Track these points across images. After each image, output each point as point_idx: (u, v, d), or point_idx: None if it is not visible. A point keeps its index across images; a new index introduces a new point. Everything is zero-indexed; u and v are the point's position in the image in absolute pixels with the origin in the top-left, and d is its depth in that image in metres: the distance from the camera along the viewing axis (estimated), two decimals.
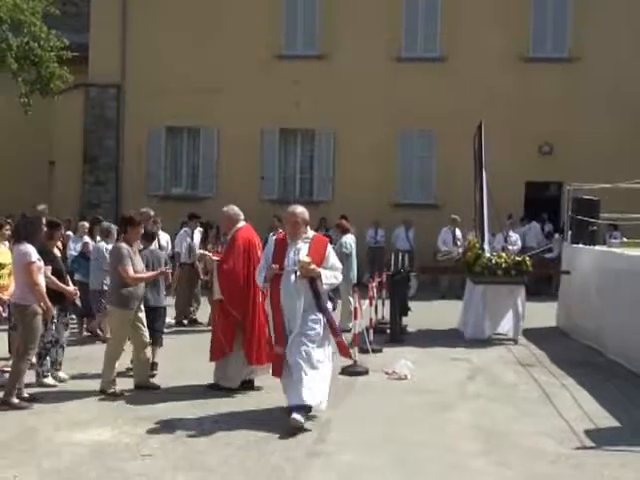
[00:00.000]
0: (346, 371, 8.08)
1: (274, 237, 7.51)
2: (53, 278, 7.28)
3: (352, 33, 18.11)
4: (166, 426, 6.04)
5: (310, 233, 6.44)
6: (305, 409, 6.00)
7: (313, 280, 6.19)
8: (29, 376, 7.01)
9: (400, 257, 11.05)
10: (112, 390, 7.02)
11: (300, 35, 18.89)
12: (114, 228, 9.43)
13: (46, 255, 7.28)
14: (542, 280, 15.38)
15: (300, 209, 6.39)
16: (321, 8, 18.56)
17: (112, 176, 19.47)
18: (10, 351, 8.06)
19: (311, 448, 5.56)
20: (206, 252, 8.68)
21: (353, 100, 18.15)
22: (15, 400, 6.56)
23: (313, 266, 6.12)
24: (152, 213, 10.56)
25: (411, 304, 10.97)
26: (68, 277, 7.84)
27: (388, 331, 10.51)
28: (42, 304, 6.73)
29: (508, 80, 17.90)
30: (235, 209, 7.65)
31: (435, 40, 18.55)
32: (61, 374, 7.66)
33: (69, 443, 5.51)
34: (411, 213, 17.68)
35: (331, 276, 6.29)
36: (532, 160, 18.01)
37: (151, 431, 5.89)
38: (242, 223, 7.57)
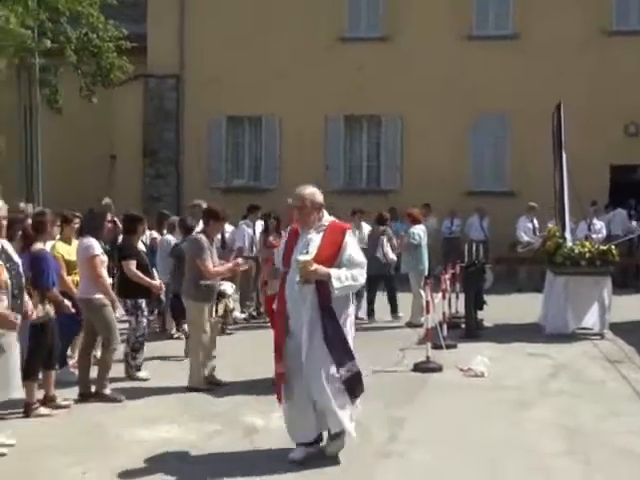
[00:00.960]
0: (419, 368, 8.06)
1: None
2: (138, 272, 7.52)
3: (418, 12, 17.90)
4: (231, 423, 6.15)
5: (326, 220, 5.27)
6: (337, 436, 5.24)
7: (322, 284, 5.01)
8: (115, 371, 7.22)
9: (474, 248, 10.90)
10: (204, 386, 7.23)
11: (364, 17, 18.82)
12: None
13: (130, 249, 7.58)
14: (629, 271, 14.96)
15: (309, 190, 5.25)
16: None
17: (172, 169, 19.83)
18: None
19: (382, 448, 5.56)
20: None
21: (421, 83, 17.97)
22: (108, 391, 6.86)
23: (315, 266, 4.92)
24: (204, 205, 10.72)
25: (487, 297, 10.84)
26: (154, 271, 8.08)
27: (463, 326, 10.40)
28: (107, 297, 6.97)
29: (589, 56, 17.42)
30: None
31: (508, 16, 18.18)
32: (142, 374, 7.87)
33: (137, 440, 5.67)
34: (485, 201, 17.41)
35: (346, 277, 5.02)
36: (617, 142, 17.48)
37: (217, 429, 6.00)
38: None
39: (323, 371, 4.99)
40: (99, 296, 6.94)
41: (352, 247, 5.21)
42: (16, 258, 5.38)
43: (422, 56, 17.90)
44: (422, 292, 10.26)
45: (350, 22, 18.75)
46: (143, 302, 7.71)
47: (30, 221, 6.92)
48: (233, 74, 18.50)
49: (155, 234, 11.15)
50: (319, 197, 5.24)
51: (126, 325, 7.85)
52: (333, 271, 4.99)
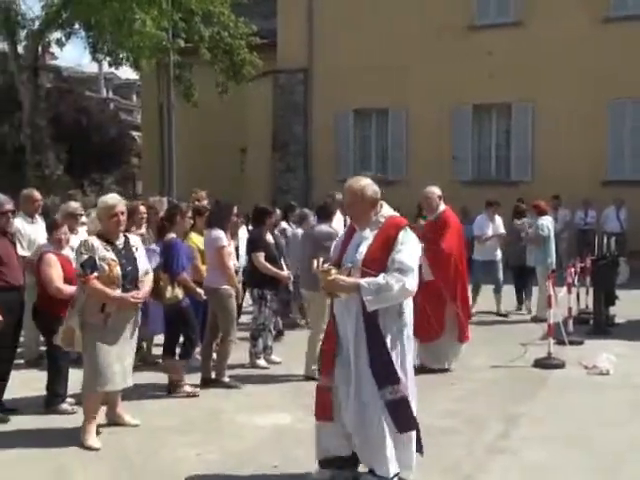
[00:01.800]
0: (540, 364, 7.82)
1: None
2: (267, 264, 7.70)
3: None
4: None
5: (383, 215, 4.54)
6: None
7: None
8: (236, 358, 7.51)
9: (606, 240, 10.42)
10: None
11: (493, 3, 18.36)
12: (309, 214, 9.78)
13: (259, 241, 7.77)
14: None
15: (361, 183, 4.55)
16: None
17: (301, 162, 20.19)
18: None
19: (494, 444, 5.46)
20: None
21: (554, 68, 17.33)
22: (226, 379, 7.12)
23: (334, 276, 4.32)
24: (338, 196, 10.82)
25: (621, 292, 10.36)
26: (282, 262, 8.30)
27: (591, 322, 9.98)
28: (233, 287, 7.22)
29: None
30: (438, 190, 7.91)
31: None
32: (274, 357, 8.09)
33: (251, 426, 5.86)
34: (623, 191, 16.56)
35: (379, 287, 4.24)
36: None
37: None
38: (444, 205, 7.77)
39: (370, 396, 4.38)
40: (226, 286, 7.17)
41: (404, 247, 4.39)
42: (137, 253, 5.53)
43: (555, 40, 17.22)
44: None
45: (479, 9, 18.35)
46: (269, 293, 7.88)
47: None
48: (360, 67, 18.56)
49: (285, 225, 11.32)
50: (371, 190, 4.51)
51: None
52: (364, 281, 4.26)
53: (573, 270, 9.64)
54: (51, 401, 6.13)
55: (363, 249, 4.46)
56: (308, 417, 6.06)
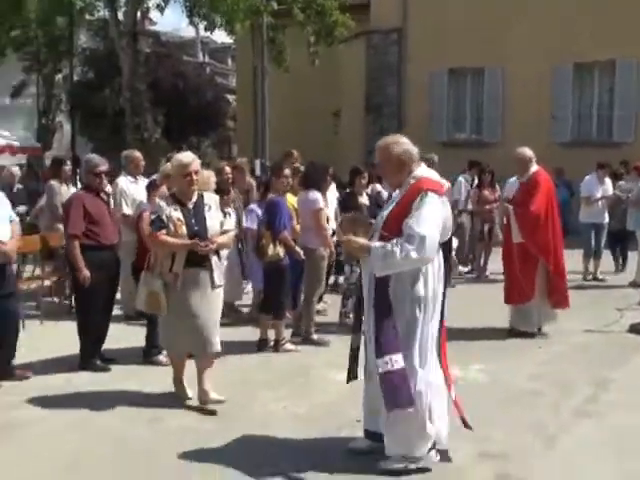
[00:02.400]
0: (635, 329, 7.64)
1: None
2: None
3: None
4: None
5: (414, 177, 4.22)
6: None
7: None
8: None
9: None
10: None
11: None
12: None
13: (350, 202, 7.78)
14: None
15: (388, 140, 4.32)
16: None
17: (394, 124, 20.02)
18: None
19: (581, 407, 5.40)
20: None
21: None
22: (315, 337, 7.30)
23: (348, 237, 4.22)
24: (436, 158, 10.77)
25: None
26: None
27: None
28: (328, 248, 7.35)
29: None
30: (530, 151, 7.81)
31: None
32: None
33: (336, 382, 5.99)
34: None
35: (385, 253, 4.01)
36: None
37: None
38: (537, 166, 7.67)
39: (374, 365, 4.19)
40: (320, 248, 7.29)
41: (417, 214, 4.05)
42: (209, 213, 5.34)
43: None
44: None
45: None
46: None
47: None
48: (455, 25, 18.21)
49: (379, 187, 11.28)
50: (398, 149, 4.24)
51: None
52: (375, 245, 4.09)
53: None
54: (148, 352, 6.46)
55: (386, 212, 4.31)
56: None
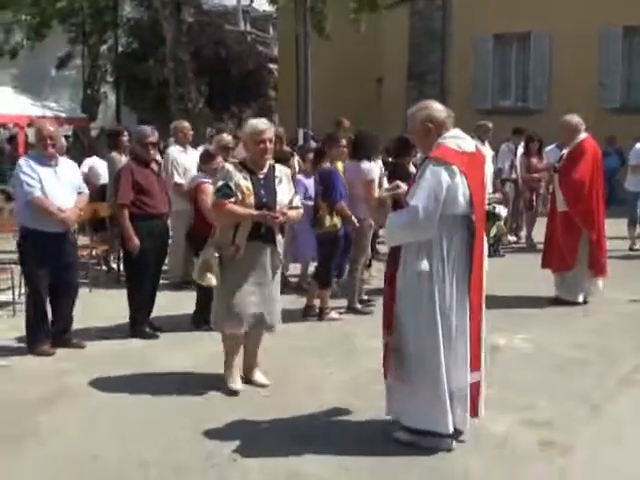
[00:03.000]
0: None
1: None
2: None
3: None
4: None
5: (437, 144, 4.10)
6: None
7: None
8: None
9: None
10: None
11: None
12: None
13: (400, 171, 7.60)
14: None
15: (413, 108, 4.24)
16: None
17: (437, 91, 19.82)
18: None
19: (627, 376, 5.40)
20: None
21: None
22: (358, 306, 7.39)
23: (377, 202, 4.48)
24: (490, 125, 10.73)
25: None
26: None
27: None
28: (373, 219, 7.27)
29: None
30: (577, 118, 7.71)
31: None
32: None
33: (378, 348, 6.07)
34: None
35: (391, 222, 4.15)
36: None
37: None
38: (584, 134, 7.56)
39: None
40: (367, 219, 7.22)
41: (419, 182, 4.00)
42: (280, 186, 5.07)
43: None
44: None
45: None
46: None
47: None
48: None
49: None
50: (422, 115, 4.13)
51: None
52: (391, 214, 4.15)
53: None
54: (198, 320, 6.61)
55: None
56: None
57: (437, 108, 4.18)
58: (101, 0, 19.39)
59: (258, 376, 5.26)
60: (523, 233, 11.62)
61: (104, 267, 9.42)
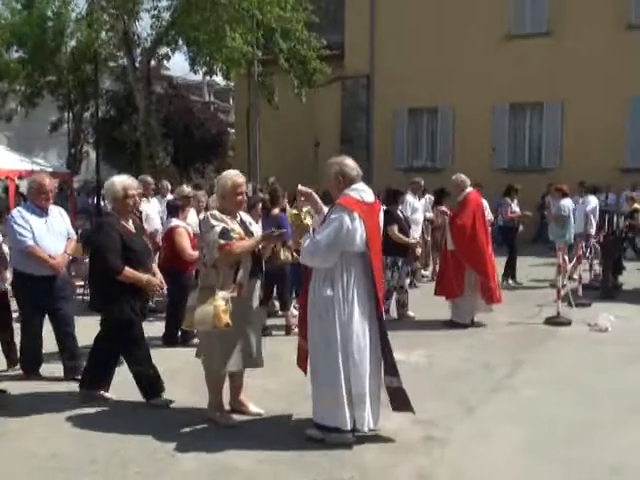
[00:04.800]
0: (549, 321, 7.86)
1: None
2: (400, 234, 7.90)
3: (577, 7, 16.76)
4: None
5: (344, 193, 4.29)
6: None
7: None
8: None
9: (615, 219, 10.24)
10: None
11: (528, 14, 17.93)
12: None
13: (392, 217, 7.85)
14: None
15: (329, 161, 4.45)
16: None
17: (364, 153, 20.27)
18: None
19: (499, 383, 5.61)
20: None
21: (581, 71, 16.87)
22: None
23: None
24: (422, 182, 11.06)
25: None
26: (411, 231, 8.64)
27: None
28: None
29: None
30: (463, 177, 8.00)
31: None
32: (410, 313, 8.23)
33: None
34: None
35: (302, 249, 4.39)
36: None
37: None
38: (470, 188, 7.84)
39: None
40: None
41: (326, 222, 4.21)
42: (253, 227, 4.78)
43: (582, 47, 16.77)
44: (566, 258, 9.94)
45: (516, 19, 17.96)
46: (400, 259, 8.03)
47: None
48: (413, 73, 18.46)
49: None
50: (335, 168, 4.31)
51: None
52: (305, 243, 4.29)
53: (584, 244, 9.56)
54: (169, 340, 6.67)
55: None
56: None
57: (349, 165, 4.36)
58: (84, 75, 19.34)
59: (252, 407, 4.84)
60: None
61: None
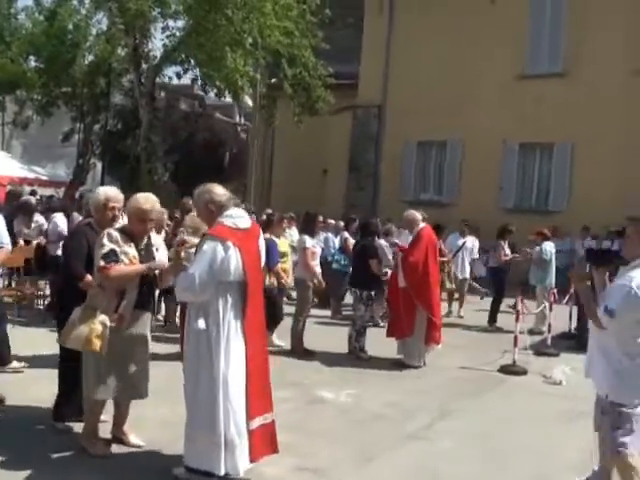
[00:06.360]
0: (503, 369, 7.45)
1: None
2: (373, 264, 7.70)
3: (594, 48, 16.39)
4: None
5: (217, 222, 4.07)
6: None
7: None
8: None
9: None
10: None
11: (543, 53, 17.60)
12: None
13: (375, 250, 7.90)
14: None
15: (200, 188, 4.16)
16: (566, 26, 17.10)
17: (371, 183, 20.06)
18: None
19: (414, 432, 5.25)
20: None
21: (594, 112, 16.43)
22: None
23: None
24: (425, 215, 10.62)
25: None
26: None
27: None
28: (315, 281, 7.84)
29: None
30: (415, 213, 7.70)
31: None
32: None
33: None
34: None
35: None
36: None
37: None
38: (423, 224, 7.55)
39: None
40: (307, 281, 7.73)
41: (200, 255, 3.94)
42: (158, 253, 4.53)
43: (597, 89, 16.36)
44: (545, 302, 9.50)
45: (531, 58, 17.64)
46: (375, 292, 8.01)
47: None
48: (424, 106, 18.22)
49: (346, 235, 10.94)
50: (206, 197, 4.07)
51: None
52: (179, 277, 4.03)
53: (556, 291, 9.13)
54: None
55: None
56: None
57: (218, 192, 4.11)
58: (97, 88, 19.63)
59: (133, 438, 4.60)
60: None
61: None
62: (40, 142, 22.38)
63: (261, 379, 4.11)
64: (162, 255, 4.58)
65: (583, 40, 16.52)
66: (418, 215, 7.60)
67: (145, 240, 4.48)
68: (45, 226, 9.32)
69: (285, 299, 8.53)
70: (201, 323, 3.95)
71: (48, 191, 16.63)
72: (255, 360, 4.06)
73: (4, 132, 21.82)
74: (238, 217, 4.11)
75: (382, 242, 9.52)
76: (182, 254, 4.21)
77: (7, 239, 5.88)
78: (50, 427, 4.74)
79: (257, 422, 4.05)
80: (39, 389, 5.37)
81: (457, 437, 5.15)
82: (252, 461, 4.03)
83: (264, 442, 4.06)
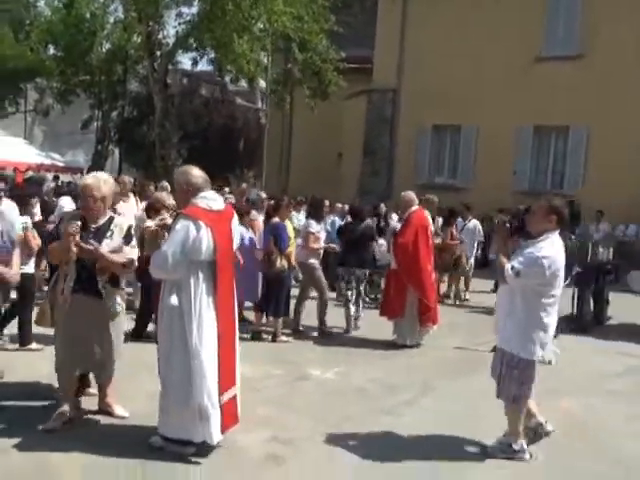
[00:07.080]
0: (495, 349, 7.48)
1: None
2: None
3: (610, 31, 16.12)
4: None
5: (191, 203, 4.19)
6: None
7: None
8: None
9: (601, 250, 9.73)
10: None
11: (560, 36, 17.37)
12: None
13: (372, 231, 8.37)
14: None
15: (179, 169, 4.47)
16: (582, 9, 16.83)
17: (385, 166, 20.09)
18: None
19: (391, 408, 5.35)
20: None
21: (609, 95, 16.22)
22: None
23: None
24: (436, 200, 10.62)
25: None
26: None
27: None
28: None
29: None
30: (411, 195, 7.71)
31: None
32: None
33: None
34: None
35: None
36: None
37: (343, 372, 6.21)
38: (416, 206, 7.60)
39: None
40: (312, 261, 7.86)
41: (173, 233, 4.09)
42: (112, 235, 4.52)
43: (610, 71, 16.13)
44: None
45: (547, 41, 17.42)
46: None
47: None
48: (440, 90, 18.19)
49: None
50: (183, 178, 4.21)
51: None
52: (153, 254, 4.18)
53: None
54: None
55: None
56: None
57: (195, 174, 4.26)
58: (114, 75, 19.91)
59: (117, 409, 4.78)
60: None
61: None
62: (61, 130, 22.81)
63: (230, 354, 4.29)
64: (115, 240, 4.48)
65: (599, 23, 16.30)
66: (414, 197, 7.64)
67: (101, 222, 4.47)
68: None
69: (292, 281, 8.70)
70: (174, 299, 4.10)
71: (66, 177, 17.03)
72: (225, 336, 4.22)
73: (26, 120, 22.30)
74: (212, 199, 4.25)
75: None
76: (160, 234, 4.38)
77: (19, 224, 6.08)
78: (41, 400, 4.98)
79: (227, 395, 4.23)
80: (41, 366, 5.61)
81: (428, 413, 5.23)
82: (221, 432, 4.22)
83: (232, 414, 4.25)
